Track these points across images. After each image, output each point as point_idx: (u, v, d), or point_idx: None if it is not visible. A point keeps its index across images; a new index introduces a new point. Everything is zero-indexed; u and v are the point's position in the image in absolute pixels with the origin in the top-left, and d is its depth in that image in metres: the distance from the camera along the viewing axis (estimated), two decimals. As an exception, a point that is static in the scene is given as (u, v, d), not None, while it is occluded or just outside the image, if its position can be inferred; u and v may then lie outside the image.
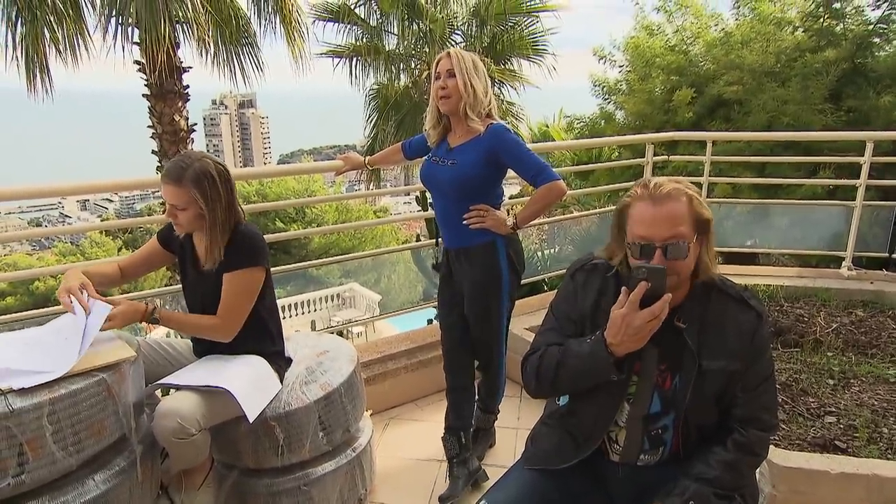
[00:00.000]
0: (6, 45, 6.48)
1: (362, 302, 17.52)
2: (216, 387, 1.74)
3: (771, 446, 2.27)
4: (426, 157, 2.31)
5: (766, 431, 1.44)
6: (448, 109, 2.15)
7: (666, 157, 4.28)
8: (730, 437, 1.42)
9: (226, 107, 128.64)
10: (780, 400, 2.65)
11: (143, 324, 1.90)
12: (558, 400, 1.61)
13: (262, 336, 2.03)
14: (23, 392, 1.47)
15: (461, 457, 2.36)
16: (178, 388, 1.78)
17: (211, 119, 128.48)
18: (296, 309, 16.78)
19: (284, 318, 15.72)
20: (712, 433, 1.46)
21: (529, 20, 9.54)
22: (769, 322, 1.48)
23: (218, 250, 1.86)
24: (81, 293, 1.71)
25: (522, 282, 4.00)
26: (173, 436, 1.65)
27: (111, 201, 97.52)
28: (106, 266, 2.00)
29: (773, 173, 6.22)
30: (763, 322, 1.42)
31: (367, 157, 2.72)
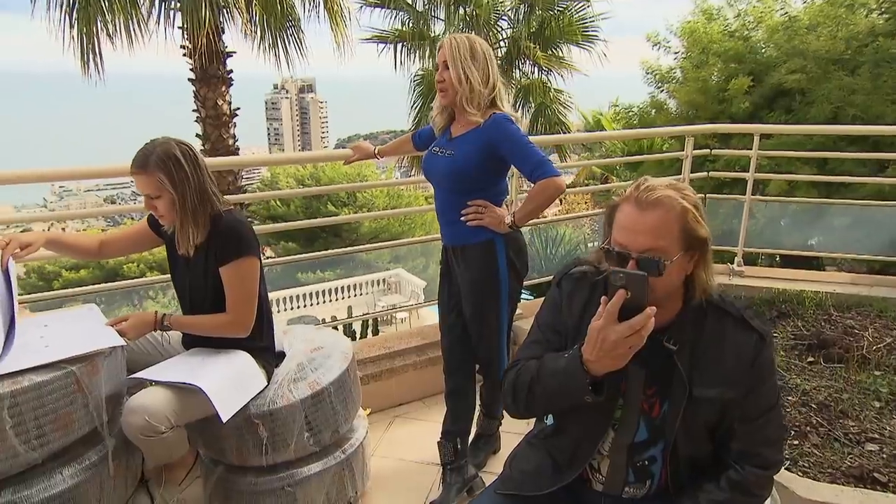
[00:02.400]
0: (63, 29, 6.72)
1: (407, 288, 17.61)
2: (189, 384, 1.69)
3: (795, 475, 2.08)
4: (429, 147, 2.19)
5: (767, 469, 1.27)
6: (447, 102, 2.03)
7: (708, 150, 3.99)
8: (724, 474, 1.27)
9: (287, 91, 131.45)
10: (814, 422, 2.43)
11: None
12: (546, 418, 1.49)
13: None
14: (-17, 383, 1.45)
15: (456, 463, 2.25)
16: (153, 382, 1.74)
17: (272, 103, 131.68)
18: (342, 292, 17.02)
19: (328, 301, 16.00)
20: (706, 467, 1.30)
21: (580, 5, 9.19)
22: (773, 345, 1.30)
23: (192, 234, 1.81)
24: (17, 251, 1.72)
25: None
26: (140, 433, 1.61)
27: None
28: (84, 238, 2.03)
29: (836, 170, 5.78)
30: (766, 345, 1.24)
31: (378, 148, 2.63)
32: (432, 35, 9.36)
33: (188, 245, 1.82)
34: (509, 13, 9.41)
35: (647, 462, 1.32)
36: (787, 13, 7.15)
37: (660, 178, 1.23)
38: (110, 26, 6.64)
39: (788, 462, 2.20)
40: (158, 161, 1.74)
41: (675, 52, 7.97)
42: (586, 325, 1.33)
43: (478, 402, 2.38)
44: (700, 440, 1.28)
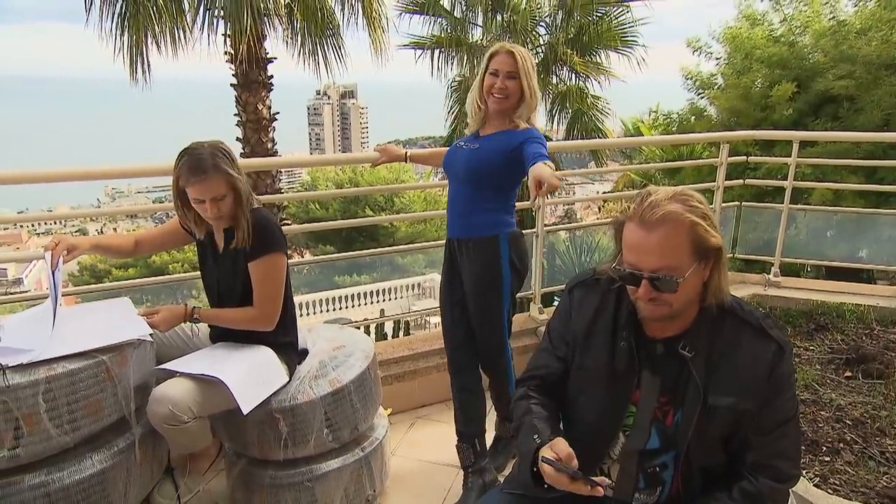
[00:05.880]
0: (114, 37, 7.03)
1: (442, 293, 17.57)
2: (211, 376, 1.74)
3: (824, 493, 2.01)
4: (454, 143, 2.25)
5: (782, 483, 1.24)
6: (502, 109, 2.07)
7: (744, 158, 3.89)
8: (738, 484, 1.24)
9: (328, 97, 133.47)
10: (848, 438, 2.34)
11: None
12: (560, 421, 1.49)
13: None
14: (20, 368, 1.53)
15: (476, 465, 2.26)
16: (178, 374, 1.80)
17: (314, 109, 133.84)
18: (378, 296, 17.15)
19: (364, 304, 16.15)
20: (720, 476, 1.28)
21: (619, 10, 9.08)
22: (792, 356, 1.27)
23: (245, 227, 1.86)
24: (64, 253, 1.80)
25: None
26: (164, 422, 1.67)
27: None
28: (119, 238, 2.12)
29: (887, 179, 5.56)
30: (785, 355, 1.22)
31: (409, 151, 2.65)
32: (470, 41, 9.41)
33: (243, 238, 1.87)
34: (547, 19, 9.38)
35: (658, 468, 1.30)
36: (835, 17, 6.92)
37: (665, 188, 1.21)
38: (157, 33, 6.92)
39: (818, 479, 2.13)
40: (219, 162, 1.79)
41: (717, 58, 7.81)
42: (594, 331, 1.34)
43: (490, 404, 2.38)
44: (713, 450, 1.26)
